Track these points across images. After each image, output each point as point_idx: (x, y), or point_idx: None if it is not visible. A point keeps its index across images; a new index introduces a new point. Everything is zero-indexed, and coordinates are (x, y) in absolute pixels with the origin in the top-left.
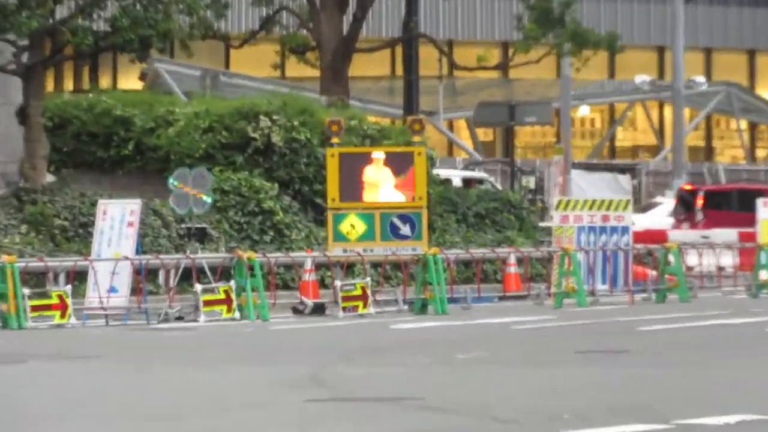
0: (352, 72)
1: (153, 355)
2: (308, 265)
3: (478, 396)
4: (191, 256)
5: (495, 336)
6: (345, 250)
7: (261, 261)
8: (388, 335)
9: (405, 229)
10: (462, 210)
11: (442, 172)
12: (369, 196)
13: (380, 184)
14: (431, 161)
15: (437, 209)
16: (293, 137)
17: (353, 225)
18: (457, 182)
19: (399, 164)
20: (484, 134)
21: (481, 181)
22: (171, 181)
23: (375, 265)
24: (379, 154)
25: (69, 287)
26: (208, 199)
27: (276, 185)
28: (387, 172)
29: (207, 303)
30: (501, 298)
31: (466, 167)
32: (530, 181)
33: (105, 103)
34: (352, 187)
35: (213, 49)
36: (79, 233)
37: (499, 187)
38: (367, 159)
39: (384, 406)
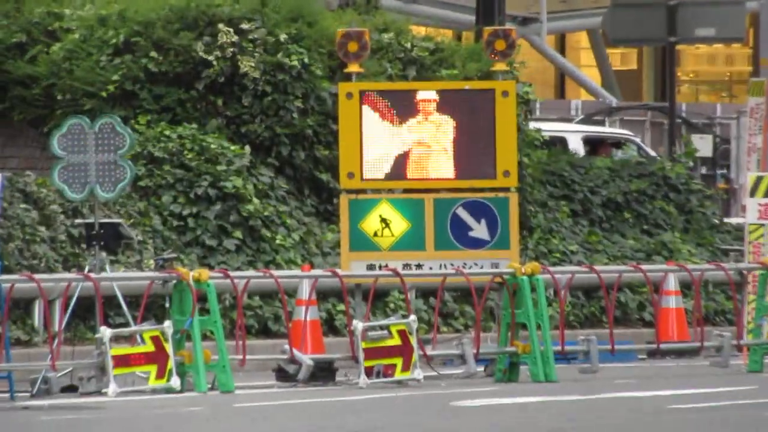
0: None
1: None
2: (304, 292)
3: None
4: (93, 275)
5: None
6: (372, 266)
7: (220, 285)
8: (450, 426)
9: (479, 229)
10: (582, 195)
11: (546, 127)
12: (414, 169)
13: (434, 148)
14: (527, 107)
15: (537, 193)
16: (278, 63)
17: (387, 221)
18: (575, 145)
19: (468, 112)
20: (622, 59)
21: (620, 144)
22: (55, 141)
23: (426, 294)
24: (430, 94)
25: None
26: (126, 174)
27: (247, 149)
28: (447, 126)
29: (121, 361)
30: (652, 354)
31: (588, 118)
32: (704, 144)
33: None
34: (384, 154)
35: None
36: None
37: (652, 152)
38: (411, 103)
39: None
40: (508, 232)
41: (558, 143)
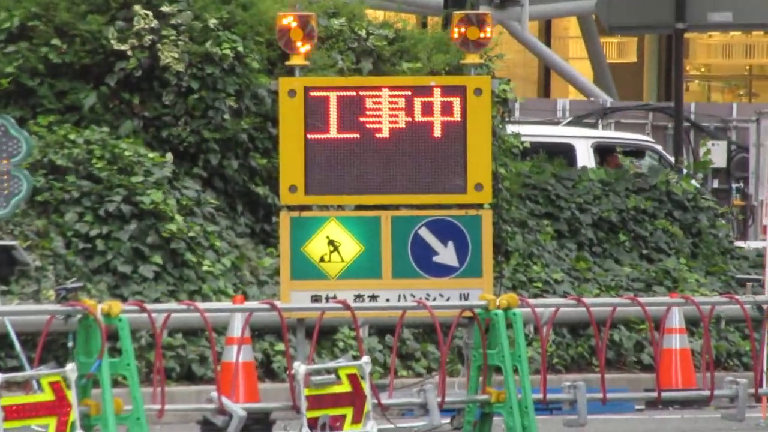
0: None
1: None
2: (236, 329)
3: None
4: None
5: None
6: (317, 298)
7: (135, 320)
8: None
9: (445, 254)
10: (569, 213)
11: (546, 131)
12: (369, 181)
13: (393, 156)
14: (504, 107)
15: (515, 211)
16: (207, 54)
17: (335, 243)
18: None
19: (434, 114)
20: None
21: (638, 152)
22: None
23: (381, 331)
24: (389, 92)
25: None
26: (22, 186)
27: (169, 157)
28: (408, 130)
29: (14, 412)
30: (652, 404)
31: (578, 120)
32: (717, 152)
33: None
34: (333, 164)
35: None
36: None
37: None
38: (366, 102)
39: None
40: (480, 257)
41: (561, 152)
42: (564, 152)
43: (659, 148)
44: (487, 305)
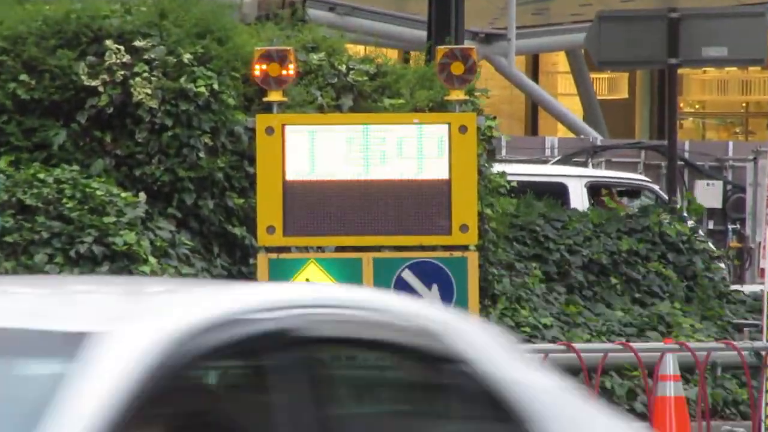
0: None
1: None
2: None
3: None
4: None
5: None
6: None
7: None
8: None
9: (430, 297)
10: (559, 255)
11: (540, 170)
12: (350, 222)
13: (375, 195)
14: (490, 145)
15: (502, 253)
16: (181, 90)
17: None
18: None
19: (417, 152)
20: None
21: (633, 192)
22: None
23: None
24: (370, 130)
25: None
26: None
27: (142, 196)
28: (390, 168)
29: None
30: None
31: (567, 159)
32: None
33: None
34: (312, 203)
35: None
36: None
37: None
38: (346, 140)
39: None
40: (466, 300)
41: (552, 192)
42: (556, 192)
43: (656, 188)
44: None
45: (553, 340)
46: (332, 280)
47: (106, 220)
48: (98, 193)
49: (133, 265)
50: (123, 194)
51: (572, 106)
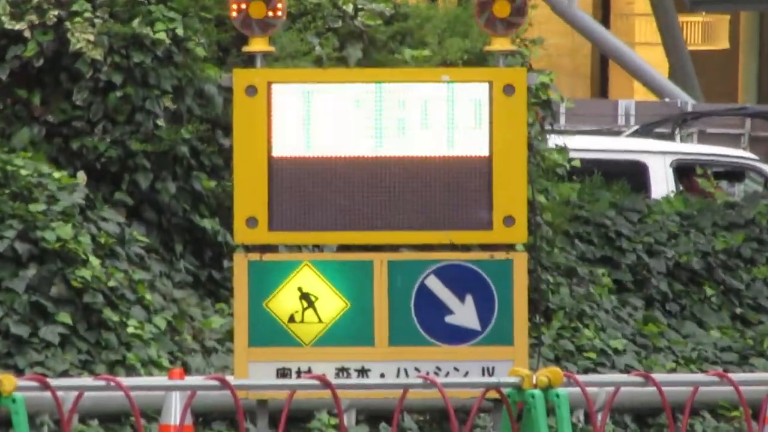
0: None
1: None
2: (174, 413)
3: None
4: None
5: None
6: (286, 372)
7: (35, 400)
8: None
9: (462, 312)
10: (635, 257)
11: (579, 144)
12: (358, 213)
13: (390, 178)
14: (545, 111)
15: (560, 255)
16: (134, 36)
17: (311, 297)
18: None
19: (447, 121)
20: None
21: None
22: None
23: (374, 418)
24: (385, 90)
25: None
26: None
27: (81, 175)
28: (411, 142)
29: None
30: None
31: (647, 130)
32: None
33: None
34: (307, 188)
35: None
36: None
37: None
38: (354, 104)
39: None
40: (511, 317)
41: (626, 173)
42: (632, 174)
43: (766, 168)
44: (519, 383)
45: (627, 369)
46: (332, 289)
47: (32, 208)
48: (23, 172)
49: (69, 268)
50: (56, 174)
51: (654, 60)
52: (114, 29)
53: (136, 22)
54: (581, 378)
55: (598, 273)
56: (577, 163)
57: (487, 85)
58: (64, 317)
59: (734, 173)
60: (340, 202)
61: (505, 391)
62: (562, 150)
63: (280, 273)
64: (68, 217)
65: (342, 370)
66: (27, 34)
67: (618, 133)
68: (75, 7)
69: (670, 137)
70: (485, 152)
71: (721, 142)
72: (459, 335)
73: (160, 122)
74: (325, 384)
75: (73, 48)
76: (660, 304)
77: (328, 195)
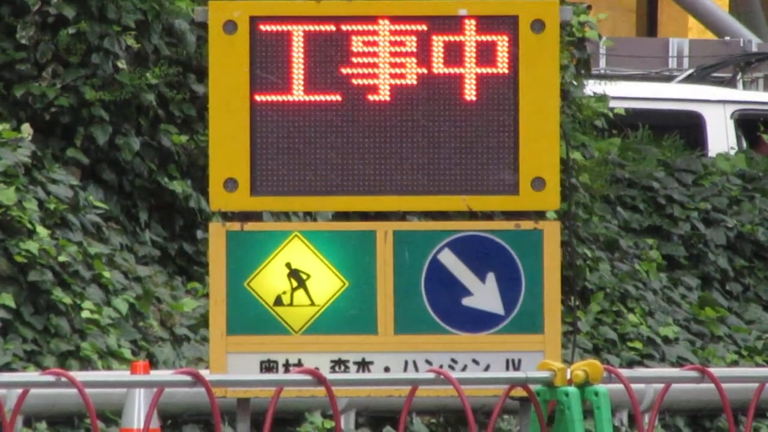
0: None
1: None
2: (137, 414)
3: None
4: None
5: None
6: (271, 365)
7: None
8: None
9: (483, 293)
10: (689, 227)
11: (621, 91)
12: (357, 174)
13: (397, 132)
14: (582, 52)
15: (599, 224)
16: None
17: (301, 274)
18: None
19: (465, 64)
20: None
21: None
22: None
23: (377, 420)
24: (392, 27)
25: None
26: None
27: (26, 128)
28: (422, 89)
29: None
30: None
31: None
32: None
33: None
34: (297, 145)
35: None
36: None
37: None
38: (345, 43)
39: None
40: (541, 299)
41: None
42: (685, 127)
43: None
44: (551, 379)
45: (679, 361)
46: (327, 265)
47: None
48: None
49: (12, 239)
50: None
51: None
52: None
53: None
54: (625, 373)
55: (644, 246)
56: (620, 112)
57: (512, 19)
58: (6, 299)
59: None
60: (335, 161)
61: (534, 388)
62: (602, 98)
63: (265, 246)
64: (11, 179)
65: (339, 363)
66: None
67: (669, 78)
68: None
69: (730, 83)
70: (510, 103)
71: None
72: (478, 321)
73: (121, 65)
74: (319, 379)
75: None
76: (719, 283)
77: (321, 152)
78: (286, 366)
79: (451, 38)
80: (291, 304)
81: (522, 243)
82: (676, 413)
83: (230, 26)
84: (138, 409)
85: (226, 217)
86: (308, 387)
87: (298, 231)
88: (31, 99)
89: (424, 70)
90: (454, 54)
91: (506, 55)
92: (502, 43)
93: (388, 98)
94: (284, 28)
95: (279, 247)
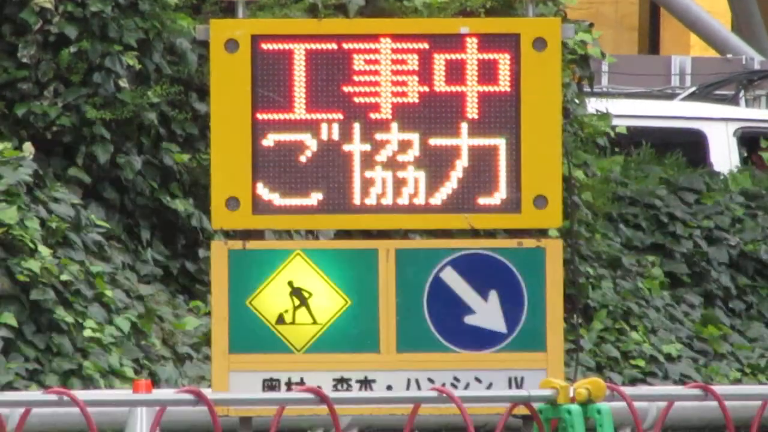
0: None
1: None
2: None
3: None
4: None
5: None
6: (273, 383)
7: None
8: None
9: (485, 311)
10: (692, 245)
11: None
12: (360, 191)
13: (399, 151)
14: (583, 70)
15: (601, 242)
16: None
17: (303, 293)
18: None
19: (467, 82)
20: None
21: None
22: None
23: None
24: (394, 45)
25: None
26: None
27: (28, 147)
28: (423, 108)
29: None
30: None
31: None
32: None
33: None
34: (300, 163)
35: None
36: None
37: None
38: (346, 61)
39: None
40: (544, 317)
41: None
42: (688, 144)
43: None
44: (554, 397)
45: (682, 379)
46: (329, 282)
47: None
48: None
49: (14, 258)
50: None
51: (714, 8)
52: None
53: None
54: (627, 390)
55: (647, 264)
56: (622, 131)
57: (514, 38)
58: (8, 317)
59: None
60: (338, 179)
61: (537, 406)
62: (604, 116)
63: (267, 264)
64: (12, 198)
65: (341, 382)
66: None
67: (671, 96)
68: None
69: (733, 101)
70: (512, 120)
71: None
72: (481, 339)
73: (123, 83)
74: (321, 398)
75: None
76: (722, 301)
77: (323, 170)
78: (289, 384)
79: (453, 56)
80: (293, 323)
81: (524, 261)
82: (680, 431)
83: (232, 45)
84: (140, 428)
85: (228, 235)
86: (311, 405)
87: (300, 249)
88: (33, 118)
89: (426, 89)
90: (455, 72)
91: (508, 73)
92: (503, 61)
93: (389, 116)
94: (286, 46)
95: (281, 266)
